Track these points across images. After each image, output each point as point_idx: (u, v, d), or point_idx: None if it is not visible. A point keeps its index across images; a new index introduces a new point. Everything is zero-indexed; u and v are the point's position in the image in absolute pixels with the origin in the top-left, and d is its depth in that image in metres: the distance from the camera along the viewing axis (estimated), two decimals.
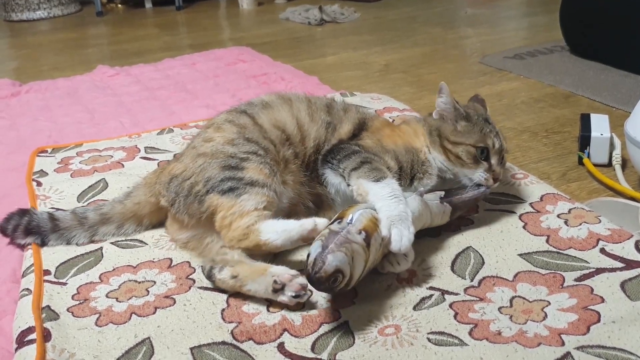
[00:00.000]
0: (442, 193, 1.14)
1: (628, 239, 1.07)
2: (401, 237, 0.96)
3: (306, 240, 0.99)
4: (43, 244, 1.18)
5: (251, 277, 0.98)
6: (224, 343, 0.91)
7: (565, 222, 1.15)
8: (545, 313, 0.92)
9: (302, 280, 0.96)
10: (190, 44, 3.21)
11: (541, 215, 1.18)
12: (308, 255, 0.90)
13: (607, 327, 0.87)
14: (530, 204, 1.23)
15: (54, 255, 1.15)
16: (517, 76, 2.24)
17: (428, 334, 0.90)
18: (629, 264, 1.01)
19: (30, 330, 0.93)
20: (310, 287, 0.93)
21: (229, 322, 0.95)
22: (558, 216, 1.17)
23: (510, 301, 0.96)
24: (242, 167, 1.07)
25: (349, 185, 1.08)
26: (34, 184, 1.46)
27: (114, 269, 1.11)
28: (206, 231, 1.11)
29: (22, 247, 1.19)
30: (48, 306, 1.00)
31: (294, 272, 0.98)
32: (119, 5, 4.58)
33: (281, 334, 0.92)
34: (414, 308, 0.96)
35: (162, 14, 4.16)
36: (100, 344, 0.92)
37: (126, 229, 1.21)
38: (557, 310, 0.92)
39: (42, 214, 1.20)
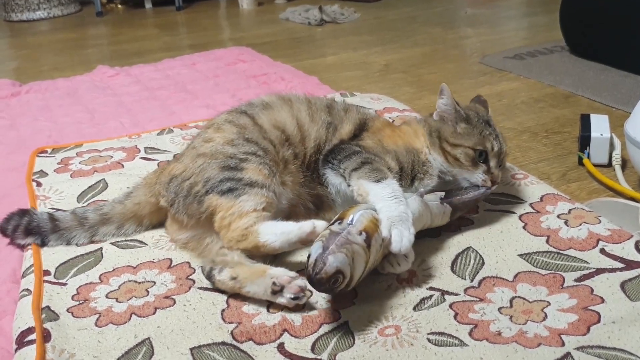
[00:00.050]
0: (443, 194, 1.14)
1: (628, 239, 1.07)
2: (401, 238, 0.96)
3: (305, 242, 0.99)
4: (43, 244, 1.18)
5: (250, 278, 0.98)
6: (223, 343, 0.91)
7: (565, 223, 1.15)
8: (545, 313, 0.92)
9: (301, 282, 0.96)
10: (190, 44, 3.21)
11: (541, 216, 1.18)
12: (308, 256, 0.90)
13: (607, 327, 0.87)
14: (530, 205, 1.23)
15: (53, 255, 1.15)
16: (517, 76, 2.24)
17: (428, 334, 0.90)
18: (629, 265, 1.01)
19: (30, 330, 0.93)
20: (310, 287, 0.93)
21: (229, 323, 0.95)
22: (558, 216, 1.17)
23: (510, 301, 0.96)
24: (242, 168, 1.07)
25: (349, 185, 1.08)
26: (34, 184, 1.46)
27: (113, 270, 1.11)
28: (206, 232, 1.10)
29: (22, 247, 1.19)
30: (48, 307, 1.00)
31: (293, 274, 0.98)
32: (119, 6, 4.58)
33: (281, 335, 0.92)
34: (414, 308, 0.96)
35: (162, 14, 4.16)
36: (100, 345, 0.92)
37: (126, 230, 1.21)
38: (557, 310, 0.92)
39: (42, 214, 1.20)
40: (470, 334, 0.89)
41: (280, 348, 0.89)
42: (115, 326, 0.96)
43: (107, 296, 1.03)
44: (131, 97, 2.18)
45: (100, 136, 1.80)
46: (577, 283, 0.98)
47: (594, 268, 1.01)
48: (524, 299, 0.96)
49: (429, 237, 1.13)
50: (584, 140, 1.47)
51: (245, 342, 0.91)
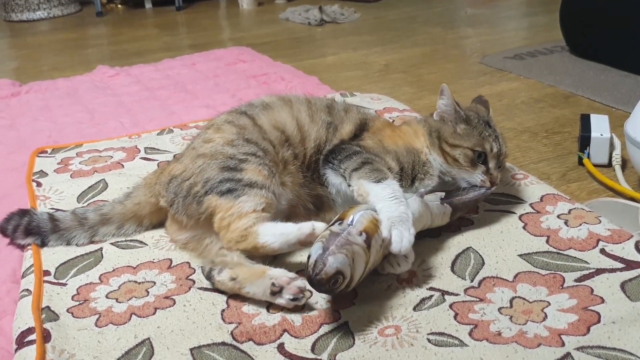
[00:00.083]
0: (443, 194, 1.14)
1: (628, 239, 1.07)
2: (401, 239, 0.96)
3: (304, 244, 0.99)
4: (43, 244, 1.18)
5: (250, 279, 0.98)
6: (223, 344, 0.91)
7: (565, 223, 1.15)
8: (545, 314, 0.92)
9: (300, 283, 0.96)
10: (190, 44, 3.21)
11: (541, 216, 1.18)
12: (309, 257, 0.90)
13: (607, 327, 0.87)
14: (530, 205, 1.23)
15: (53, 255, 1.15)
16: (517, 76, 2.24)
17: (428, 334, 0.90)
18: (629, 265, 1.01)
19: (30, 331, 0.93)
20: (309, 288, 0.93)
21: (229, 323, 0.95)
22: (558, 217, 1.17)
23: (510, 302, 0.96)
24: (241, 169, 1.07)
25: (349, 185, 1.08)
26: (34, 184, 1.46)
27: (113, 270, 1.11)
28: (205, 232, 1.10)
29: (22, 247, 1.19)
30: (48, 307, 1.00)
31: (292, 274, 0.98)
32: (119, 6, 4.58)
33: (281, 335, 0.92)
34: (414, 309, 0.96)
35: (162, 14, 4.16)
36: (100, 345, 0.92)
37: (126, 230, 1.21)
38: (557, 310, 0.92)
39: (42, 214, 1.20)
40: (470, 334, 0.89)
41: (280, 348, 0.89)
42: (115, 326, 0.96)
43: (107, 296, 1.03)
44: (131, 97, 2.18)
45: (100, 136, 1.80)
46: (577, 283, 0.98)
47: (594, 268, 1.01)
48: (524, 299, 0.96)
49: (429, 238, 1.13)
50: (584, 140, 1.47)
51: (245, 343, 0.91)
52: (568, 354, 0.83)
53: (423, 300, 0.98)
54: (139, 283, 1.07)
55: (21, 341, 0.91)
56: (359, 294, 1.00)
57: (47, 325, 0.95)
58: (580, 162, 1.49)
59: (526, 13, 3.58)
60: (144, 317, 0.97)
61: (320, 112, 1.21)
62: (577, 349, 0.84)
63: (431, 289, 1.00)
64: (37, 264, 1.11)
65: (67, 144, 1.73)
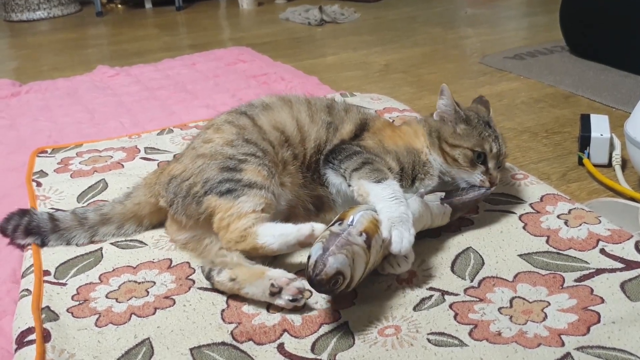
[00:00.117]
0: (443, 194, 1.14)
1: (628, 239, 1.07)
2: (402, 239, 0.96)
3: (303, 245, 0.99)
4: (43, 244, 1.18)
5: (249, 280, 0.98)
6: (223, 344, 0.91)
7: (565, 223, 1.15)
8: (545, 314, 0.92)
9: (299, 284, 0.96)
10: (190, 44, 3.21)
11: (541, 216, 1.18)
12: (309, 257, 0.90)
13: (607, 327, 0.87)
14: (530, 205, 1.22)
15: (53, 255, 1.15)
16: (517, 76, 2.24)
17: (428, 334, 0.90)
18: (629, 265, 1.01)
19: (30, 330, 0.93)
20: (309, 288, 0.93)
21: (229, 323, 0.95)
22: (558, 217, 1.17)
23: (510, 302, 0.96)
24: (241, 169, 1.07)
25: (349, 185, 1.08)
26: (34, 184, 1.46)
27: (113, 270, 1.11)
28: (205, 232, 1.10)
29: (22, 247, 1.19)
30: (48, 307, 1.00)
31: (291, 275, 0.98)
32: (119, 6, 4.58)
33: (281, 335, 0.92)
34: (414, 309, 0.96)
35: (162, 14, 4.16)
36: (100, 345, 0.92)
37: (126, 230, 1.21)
38: (557, 310, 0.92)
39: (42, 214, 1.20)
40: (470, 334, 0.89)
41: (280, 348, 0.89)
42: (115, 326, 0.96)
43: (107, 296, 1.03)
44: (131, 97, 2.18)
45: (100, 136, 1.80)
46: (577, 283, 0.98)
47: (594, 268, 1.01)
48: (524, 299, 0.96)
49: (429, 238, 1.13)
50: (584, 141, 1.47)
51: (245, 342, 0.91)
52: (568, 354, 0.83)
53: (423, 300, 0.98)
54: (139, 283, 1.07)
55: (21, 341, 0.91)
56: (359, 294, 1.00)
57: (47, 325, 0.95)
58: (580, 162, 1.49)
59: (526, 13, 3.58)
60: (143, 317, 0.97)
61: (320, 112, 1.21)
62: (577, 349, 0.84)
63: (431, 289, 1.00)
64: (37, 264, 1.11)
65: (67, 144, 1.73)
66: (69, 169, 1.54)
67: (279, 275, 0.97)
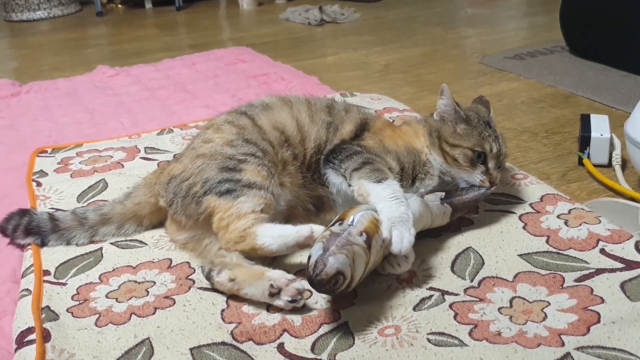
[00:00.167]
0: (443, 194, 1.14)
1: (628, 239, 1.07)
2: (402, 239, 0.96)
3: (302, 246, 0.99)
4: (43, 244, 1.18)
5: (248, 280, 0.98)
6: (223, 343, 0.91)
7: (565, 223, 1.15)
8: (545, 313, 0.92)
9: (299, 284, 0.96)
10: (190, 44, 3.21)
11: (541, 216, 1.18)
12: (309, 258, 0.90)
13: (607, 327, 0.87)
14: (530, 205, 1.23)
15: (53, 255, 1.15)
16: (517, 76, 2.24)
17: (428, 334, 0.90)
18: (629, 265, 1.01)
19: (29, 330, 0.93)
20: (309, 288, 0.93)
21: (229, 323, 0.95)
22: (558, 217, 1.17)
23: (510, 302, 0.96)
24: (240, 169, 1.07)
25: (350, 185, 1.08)
26: (34, 184, 1.46)
27: (113, 270, 1.11)
28: (204, 232, 1.10)
29: (22, 247, 1.19)
30: (48, 306, 1.00)
31: (290, 276, 0.98)
32: (119, 6, 4.58)
33: (281, 335, 0.92)
34: (414, 309, 0.96)
35: (162, 14, 4.16)
36: (100, 345, 0.92)
37: (126, 230, 1.21)
38: (557, 310, 0.92)
39: (42, 214, 1.20)
40: (470, 334, 0.89)
41: (280, 348, 0.89)
42: (115, 326, 0.96)
43: (107, 296, 1.03)
44: (131, 97, 2.18)
45: (100, 136, 1.80)
46: (577, 283, 0.98)
47: (594, 268, 1.01)
48: (523, 299, 0.96)
49: (429, 238, 1.13)
50: (584, 141, 1.47)
51: (245, 342, 0.91)
52: (568, 354, 0.83)
53: (423, 300, 0.98)
54: (139, 283, 1.07)
55: (21, 341, 0.91)
56: (359, 294, 1.00)
57: (47, 325, 0.94)
58: (580, 162, 1.49)
59: (526, 13, 3.58)
60: (143, 317, 0.97)
61: (320, 112, 1.21)
62: (577, 349, 0.84)
63: (431, 289, 1.00)
64: (37, 264, 1.11)
65: (67, 143, 1.73)
66: (69, 169, 1.54)
67: (278, 276, 0.97)
